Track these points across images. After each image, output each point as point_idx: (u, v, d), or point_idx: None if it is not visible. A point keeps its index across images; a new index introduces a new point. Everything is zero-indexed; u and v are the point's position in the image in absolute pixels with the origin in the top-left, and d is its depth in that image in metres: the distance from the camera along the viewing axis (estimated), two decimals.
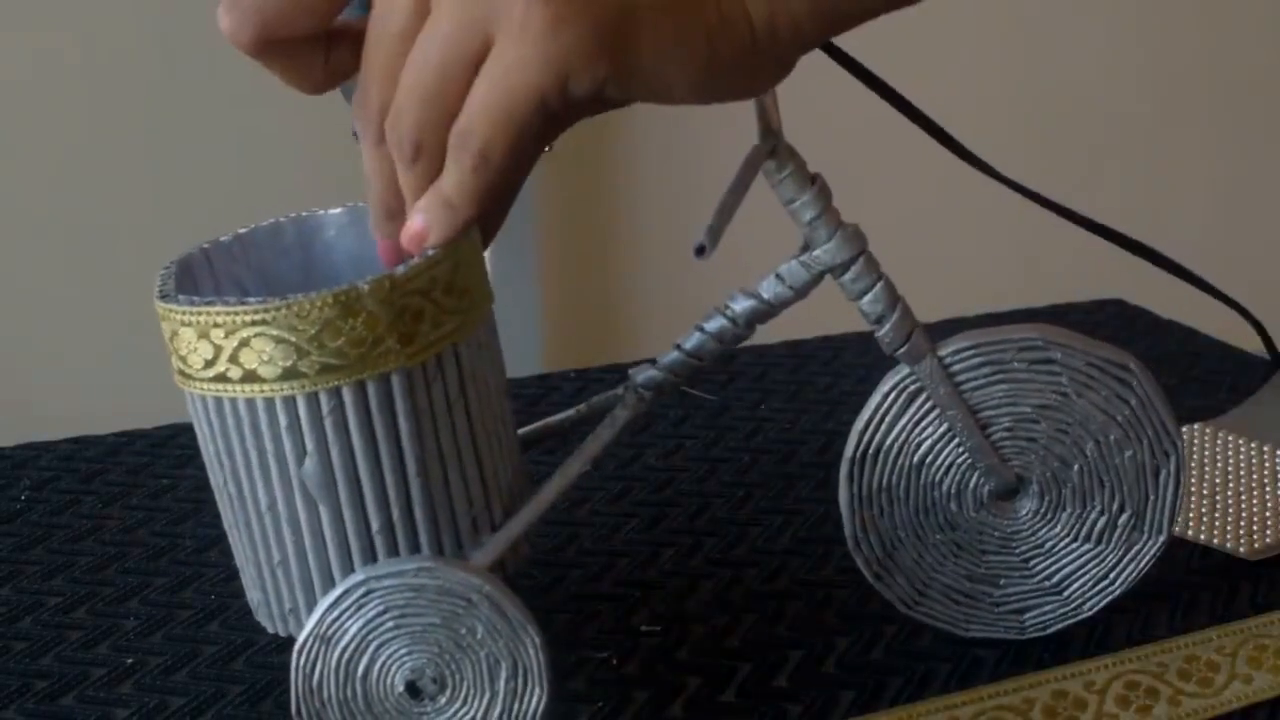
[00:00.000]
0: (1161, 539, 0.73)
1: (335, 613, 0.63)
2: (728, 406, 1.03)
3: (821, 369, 1.09)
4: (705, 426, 1.00)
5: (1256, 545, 0.82)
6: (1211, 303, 0.95)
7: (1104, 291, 1.20)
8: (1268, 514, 0.85)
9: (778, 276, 0.69)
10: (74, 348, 1.91)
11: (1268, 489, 0.88)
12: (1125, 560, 0.73)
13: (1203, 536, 0.83)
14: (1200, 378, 1.05)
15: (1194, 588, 0.79)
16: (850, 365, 1.09)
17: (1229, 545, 0.83)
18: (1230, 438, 0.94)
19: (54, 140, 1.86)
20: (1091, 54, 2.32)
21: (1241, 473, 0.90)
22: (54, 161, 1.87)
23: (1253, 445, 0.93)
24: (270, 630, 0.69)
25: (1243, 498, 0.87)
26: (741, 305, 0.70)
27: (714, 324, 0.70)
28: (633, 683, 0.73)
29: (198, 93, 1.89)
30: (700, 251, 0.61)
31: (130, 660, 0.75)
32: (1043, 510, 0.72)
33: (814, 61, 0.67)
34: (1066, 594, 0.74)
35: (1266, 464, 0.91)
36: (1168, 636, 0.75)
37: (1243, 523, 0.85)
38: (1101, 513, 0.72)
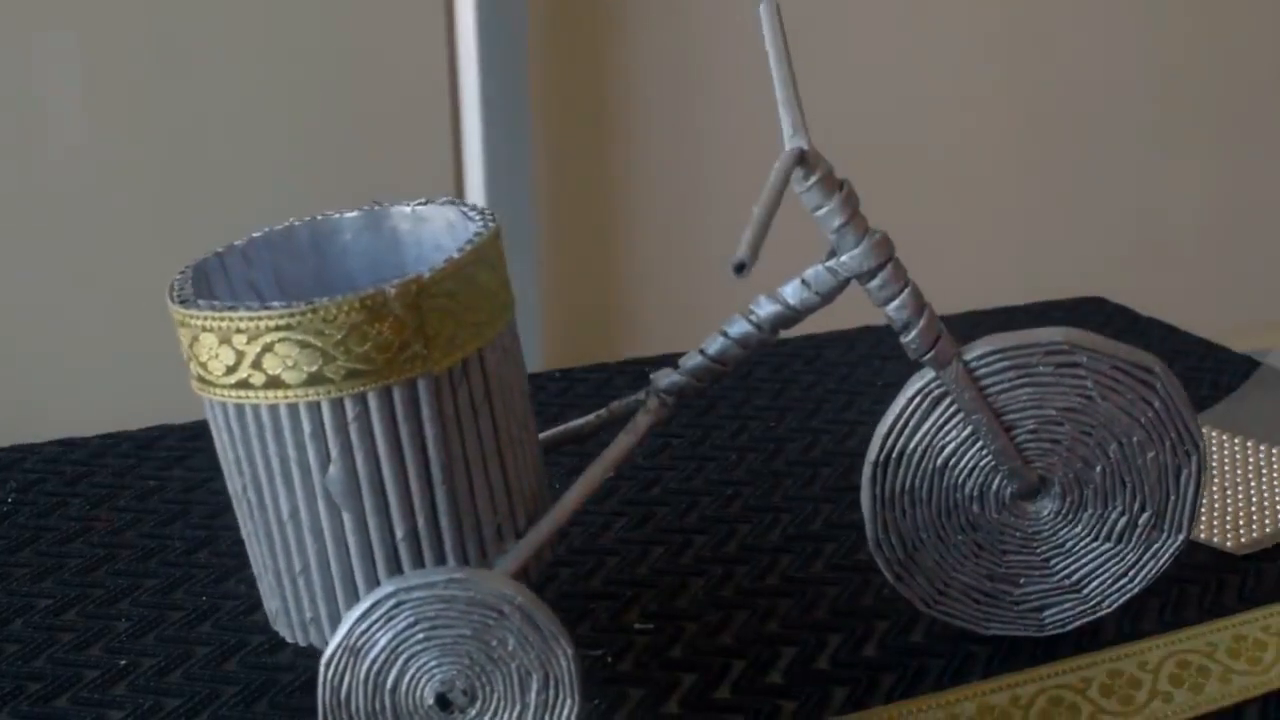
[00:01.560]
0: (1181, 537, 0.73)
1: (365, 624, 0.62)
2: (713, 405, 1.04)
3: (804, 368, 1.10)
4: (691, 425, 1.00)
5: (1244, 540, 0.84)
6: (1191, 300, 0.97)
7: (1085, 289, 1.21)
8: (1253, 508, 0.87)
9: (804, 282, 0.69)
10: (61, 351, 1.90)
11: (1252, 484, 0.90)
12: (1145, 558, 0.74)
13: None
14: (1181, 375, 1.05)
15: (1182, 582, 0.80)
16: (832, 364, 1.10)
17: (1216, 540, 0.84)
18: (1214, 434, 0.95)
19: (54, 142, 1.86)
20: (1093, 53, 2.34)
21: (1226, 468, 0.92)
22: (54, 163, 1.86)
23: (1236, 441, 0.95)
24: (289, 640, 0.68)
25: (1228, 493, 0.89)
26: (766, 310, 0.69)
27: (737, 328, 0.70)
28: (627, 680, 0.73)
29: (205, 91, 1.88)
30: (740, 269, 0.60)
31: (123, 662, 0.75)
32: (1064, 511, 0.72)
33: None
34: (1086, 592, 0.74)
35: (1250, 459, 0.92)
36: (1157, 632, 0.76)
37: (1229, 518, 0.86)
38: (1123, 513, 0.73)
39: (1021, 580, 0.74)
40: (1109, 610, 0.75)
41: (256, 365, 0.62)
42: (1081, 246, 2.34)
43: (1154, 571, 0.74)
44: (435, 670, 0.63)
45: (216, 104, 1.90)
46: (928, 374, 0.71)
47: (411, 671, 0.63)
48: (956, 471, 0.72)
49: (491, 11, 1.92)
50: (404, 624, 0.62)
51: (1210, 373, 1.07)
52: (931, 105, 2.25)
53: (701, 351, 0.70)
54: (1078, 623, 0.75)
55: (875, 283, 0.69)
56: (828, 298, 0.69)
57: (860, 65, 2.19)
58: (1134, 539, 0.73)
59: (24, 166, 1.85)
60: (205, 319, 0.62)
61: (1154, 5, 2.37)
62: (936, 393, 0.71)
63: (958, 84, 2.27)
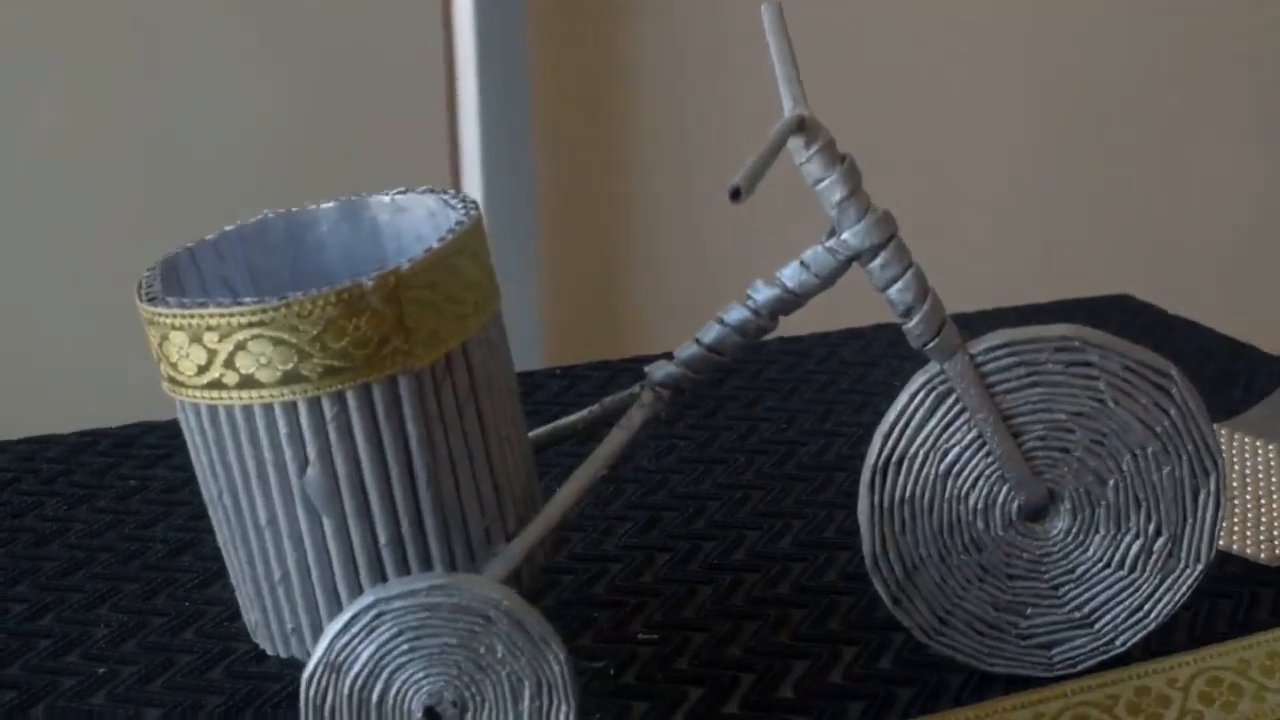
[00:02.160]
0: (1200, 567, 0.71)
1: (345, 638, 0.61)
2: (721, 405, 1.02)
3: (818, 367, 1.08)
4: (698, 427, 0.99)
5: (1277, 551, 0.83)
6: (1223, 298, 0.95)
7: (1113, 287, 1.20)
8: None
9: (803, 264, 0.67)
10: (39, 347, 1.91)
11: None
12: (1161, 590, 0.71)
13: (1220, 542, 0.83)
14: (1212, 375, 1.04)
15: (1214, 596, 0.78)
16: (847, 364, 1.09)
17: (1248, 551, 0.82)
18: (1247, 440, 0.94)
19: (32, 134, 1.86)
20: (1120, 49, 2.35)
21: (1260, 476, 0.90)
22: (31, 154, 1.87)
23: (1270, 448, 0.93)
24: (270, 652, 0.67)
25: (1262, 502, 0.87)
26: (764, 295, 0.68)
27: (735, 315, 0.68)
28: (631, 694, 0.72)
29: (196, 86, 1.89)
30: (736, 194, 0.59)
31: (102, 670, 0.74)
32: (1075, 531, 0.70)
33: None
34: (1098, 627, 0.71)
35: None
36: (1187, 648, 0.74)
37: (1262, 528, 0.84)
38: (1137, 535, 0.70)
39: (1029, 611, 0.71)
40: (1123, 649, 0.72)
41: (229, 364, 0.61)
42: (1109, 245, 2.33)
43: (1172, 605, 0.71)
44: (423, 682, 0.62)
45: (208, 100, 1.90)
46: (933, 368, 0.69)
47: (398, 685, 0.62)
48: (960, 480, 0.69)
49: (489, 6, 1.94)
50: (387, 635, 0.61)
51: (1243, 374, 1.05)
52: (956, 104, 2.26)
53: (697, 340, 0.69)
54: (1089, 662, 0.72)
55: (877, 262, 0.67)
56: (828, 280, 0.68)
57: (885, 65, 2.19)
58: (1149, 566, 0.71)
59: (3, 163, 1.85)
60: (174, 317, 0.61)
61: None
62: (941, 388, 0.69)
63: (983, 82, 2.27)
